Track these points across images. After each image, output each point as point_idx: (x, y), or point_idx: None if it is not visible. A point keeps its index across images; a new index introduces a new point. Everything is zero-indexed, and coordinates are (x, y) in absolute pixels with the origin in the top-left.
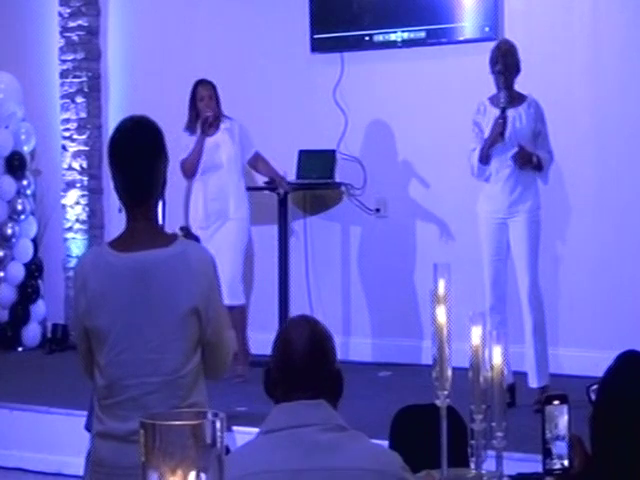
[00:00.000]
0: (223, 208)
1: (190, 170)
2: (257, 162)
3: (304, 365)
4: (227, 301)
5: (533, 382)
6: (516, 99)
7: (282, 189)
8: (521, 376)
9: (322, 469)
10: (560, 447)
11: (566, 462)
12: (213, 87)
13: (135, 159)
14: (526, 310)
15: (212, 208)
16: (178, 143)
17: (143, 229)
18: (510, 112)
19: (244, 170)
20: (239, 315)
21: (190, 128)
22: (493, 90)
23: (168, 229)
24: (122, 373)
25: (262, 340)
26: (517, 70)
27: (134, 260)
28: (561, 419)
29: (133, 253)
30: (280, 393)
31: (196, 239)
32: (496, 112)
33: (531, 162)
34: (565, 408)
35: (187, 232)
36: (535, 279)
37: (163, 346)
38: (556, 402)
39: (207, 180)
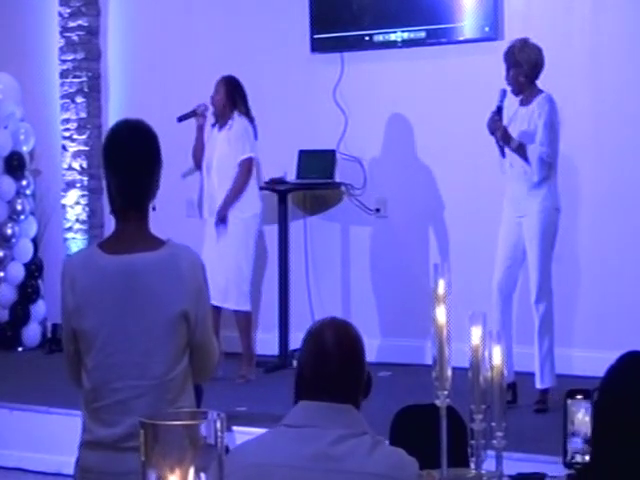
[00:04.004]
0: (212, 208)
1: (193, 160)
2: (239, 169)
3: (338, 371)
4: (232, 306)
5: (537, 383)
6: (530, 99)
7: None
8: (524, 376)
9: (336, 471)
10: (576, 442)
11: (587, 457)
12: (224, 82)
13: (130, 164)
14: (534, 311)
15: (208, 204)
16: (178, 142)
17: (133, 231)
18: (522, 111)
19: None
20: (244, 319)
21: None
22: (493, 89)
23: (164, 226)
24: (110, 376)
25: (262, 340)
26: (522, 70)
27: (124, 262)
28: (579, 414)
29: (122, 255)
30: (309, 391)
31: None
32: (514, 109)
33: (507, 142)
34: (586, 403)
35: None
36: (544, 282)
37: (152, 349)
38: (579, 396)
39: (206, 175)
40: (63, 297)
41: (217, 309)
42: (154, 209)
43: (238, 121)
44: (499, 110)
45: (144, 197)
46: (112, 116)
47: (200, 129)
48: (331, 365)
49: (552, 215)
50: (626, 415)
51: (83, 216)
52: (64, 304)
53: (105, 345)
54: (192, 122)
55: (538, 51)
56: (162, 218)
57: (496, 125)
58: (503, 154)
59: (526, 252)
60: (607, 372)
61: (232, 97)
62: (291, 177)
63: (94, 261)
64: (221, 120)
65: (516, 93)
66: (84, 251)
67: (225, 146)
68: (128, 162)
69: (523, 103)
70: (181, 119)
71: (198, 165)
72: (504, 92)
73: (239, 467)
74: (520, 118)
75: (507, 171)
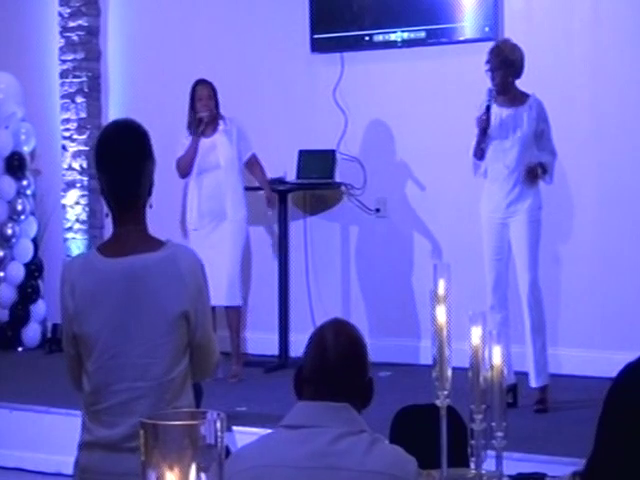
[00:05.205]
0: (219, 208)
1: (183, 170)
2: (252, 165)
3: (337, 369)
4: (225, 302)
5: (532, 382)
6: (518, 99)
7: (269, 208)
8: (522, 376)
9: (336, 469)
10: None
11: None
12: (212, 87)
13: (122, 163)
14: (525, 310)
15: (206, 208)
16: (176, 142)
17: (131, 234)
18: (509, 112)
19: (242, 171)
20: (235, 316)
21: (190, 128)
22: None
23: (163, 228)
24: (111, 378)
25: (262, 340)
26: (513, 70)
27: (123, 265)
28: None
29: (122, 258)
30: (308, 392)
31: None
32: (499, 110)
33: (538, 176)
34: None
35: None
36: (535, 279)
37: (152, 350)
38: None
39: (202, 180)
40: (63, 302)
41: (212, 310)
42: (151, 207)
43: (230, 121)
44: (488, 109)
45: (138, 197)
46: (112, 116)
47: (199, 137)
48: (329, 363)
49: (538, 213)
50: (633, 416)
51: (83, 216)
52: (64, 309)
53: (106, 348)
54: (185, 122)
55: (522, 51)
56: (162, 219)
57: (488, 124)
58: (483, 157)
59: (511, 251)
60: (620, 372)
61: (217, 101)
62: (291, 177)
63: (93, 265)
64: (211, 125)
65: (503, 93)
66: (83, 255)
67: (227, 147)
68: (118, 163)
69: (507, 104)
70: (200, 132)
71: (187, 173)
72: (491, 91)
73: (239, 470)
74: (508, 120)
75: (502, 172)
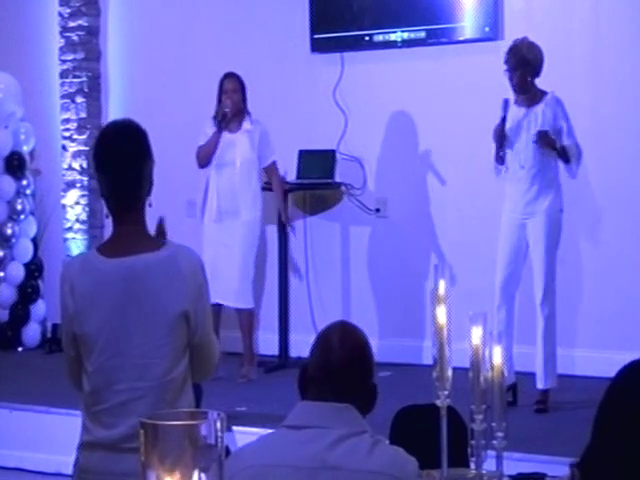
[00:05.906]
0: (233, 208)
1: (202, 161)
2: (271, 172)
3: (341, 370)
4: (235, 304)
5: (539, 383)
6: (537, 98)
7: (283, 219)
8: (524, 376)
9: (336, 469)
10: None
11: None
12: (239, 80)
13: (121, 164)
14: (539, 312)
15: (223, 205)
16: (178, 142)
17: (131, 234)
18: (525, 111)
19: (260, 172)
20: (247, 318)
21: (215, 119)
22: (493, 89)
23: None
24: (111, 379)
25: (262, 340)
26: (530, 68)
27: (123, 265)
28: None
29: (122, 258)
30: (312, 392)
31: (164, 234)
32: (517, 110)
33: (552, 146)
34: None
35: (161, 224)
36: (550, 283)
37: (152, 351)
38: None
39: (220, 175)
40: (63, 302)
41: (218, 308)
42: (150, 205)
43: (256, 122)
44: (504, 120)
45: (137, 197)
46: (112, 116)
47: (222, 131)
48: (333, 364)
49: (558, 215)
50: (633, 417)
51: (83, 216)
52: (64, 309)
53: (106, 348)
54: (192, 118)
55: (541, 50)
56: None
57: (504, 135)
58: (503, 161)
59: (528, 252)
60: (619, 372)
61: (245, 96)
62: (291, 177)
63: (93, 265)
64: (235, 120)
65: (522, 93)
66: (83, 255)
67: (246, 148)
68: (117, 163)
69: (525, 104)
70: (220, 127)
71: (206, 164)
72: (507, 102)
73: (239, 469)
74: (528, 119)
75: (518, 171)
